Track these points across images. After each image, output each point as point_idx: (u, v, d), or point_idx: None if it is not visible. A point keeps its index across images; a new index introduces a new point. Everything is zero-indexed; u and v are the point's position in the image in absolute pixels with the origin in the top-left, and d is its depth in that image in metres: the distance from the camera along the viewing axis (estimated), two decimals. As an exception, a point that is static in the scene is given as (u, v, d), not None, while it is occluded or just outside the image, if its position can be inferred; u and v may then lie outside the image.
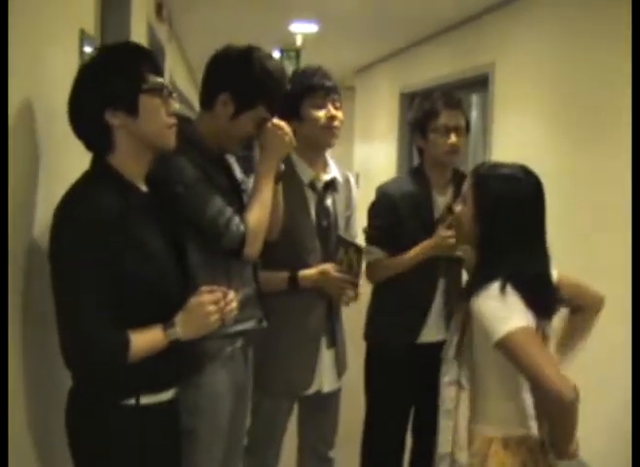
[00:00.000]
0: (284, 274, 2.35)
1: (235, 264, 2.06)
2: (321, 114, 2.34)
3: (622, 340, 3.07)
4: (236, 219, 1.96)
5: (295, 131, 2.12)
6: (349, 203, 2.58)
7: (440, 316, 2.60)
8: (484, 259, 1.89)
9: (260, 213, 2.01)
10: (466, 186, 1.97)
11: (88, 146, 1.67)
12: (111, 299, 1.56)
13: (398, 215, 2.60)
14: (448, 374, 1.90)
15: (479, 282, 1.82)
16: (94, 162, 1.67)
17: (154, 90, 1.65)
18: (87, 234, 1.53)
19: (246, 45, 2.07)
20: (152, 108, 1.65)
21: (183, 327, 1.64)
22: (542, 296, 1.82)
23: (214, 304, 1.67)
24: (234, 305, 1.72)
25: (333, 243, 2.41)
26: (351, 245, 2.35)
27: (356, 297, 2.39)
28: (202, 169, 1.96)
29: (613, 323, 3.42)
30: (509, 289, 1.75)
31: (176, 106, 1.72)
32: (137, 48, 1.75)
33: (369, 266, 2.63)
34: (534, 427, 1.87)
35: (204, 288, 1.70)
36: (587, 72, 3.89)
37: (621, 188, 3.40)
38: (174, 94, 1.73)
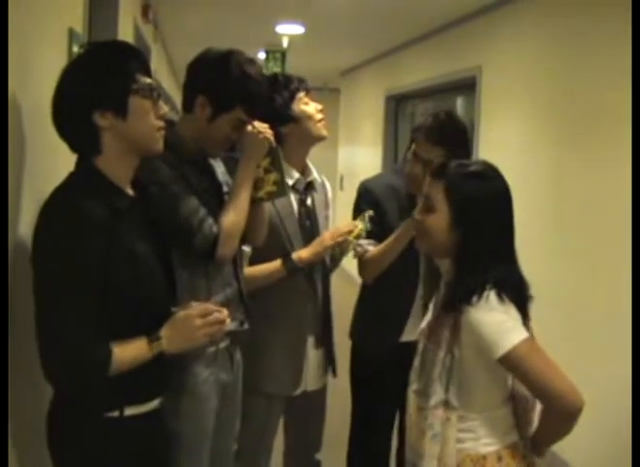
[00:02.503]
0: (277, 262, 2.38)
1: (214, 265, 2.05)
2: (311, 108, 2.43)
3: (623, 343, 3.07)
4: (210, 220, 1.98)
5: (288, 135, 2.13)
6: (327, 204, 2.64)
7: (420, 315, 2.61)
8: (467, 267, 1.76)
9: (235, 216, 2.02)
10: (429, 190, 1.81)
11: (73, 147, 1.63)
12: (95, 307, 1.52)
13: (381, 208, 2.61)
14: (434, 395, 1.76)
15: (467, 292, 1.71)
16: (79, 164, 1.63)
17: (144, 92, 1.61)
18: (70, 241, 1.49)
19: (227, 48, 2.08)
20: (141, 110, 1.61)
21: (168, 340, 1.60)
22: (524, 301, 1.76)
23: (202, 318, 1.63)
24: (229, 322, 1.69)
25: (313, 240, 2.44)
26: None
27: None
28: (179, 171, 1.97)
29: (613, 326, 3.45)
30: (505, 298, 1.69)
31: (165, 109, 1.68)
32: (127, 47, 1.71)
33: (360, 262, 2.62)
34: (517, 433, 1.84)
35: (194, 304, 1.66)
36: (576, 75, 3.92)
37: (612, 191, 3.43)
38: (162, 97, 1.71)
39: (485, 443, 1.77)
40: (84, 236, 1.49)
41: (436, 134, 2.46)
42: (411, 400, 1.89)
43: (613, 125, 3.44)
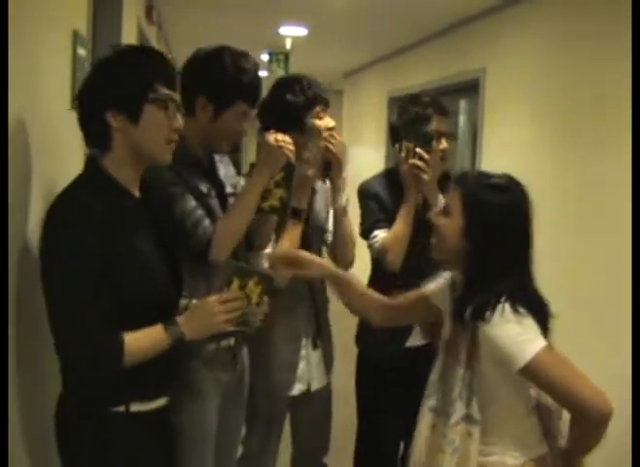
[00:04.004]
0: None
1: (212, 268, 2.04)
2: (322, 124, 2.38)
3: (623, 348, 3.05)
4: (205, 222, 1.98)
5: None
6: (327, 201, 2.60)
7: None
8: (476, 277, 1.75)
9: (233, 220, 2.01)
10: (449, 197, 1.84)
11: (87, 140, 1.66)
12: (104, 304, 1.53)
13: (381, 201, 2.64)
14: (455, 413, 1.72)
15: (479, 308, 1.68)
16: (88, 165, 1.65)
17: (160, 102, 1.62)
18: (76, 239, 1.51)
19: (216, 45, 2.08)
20: (154, 120, 1.62)
21: (186, 325, 1.62)
22: (542, 313, 1.73)
23: (221, 303, 1.65)
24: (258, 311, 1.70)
25: (312, 240, 2.44)
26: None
27: None
28: (178, 173, 1.97)
29: (613, 331, 3.44)
30: (520, 309, 1.66)
31: (181, 122, 1.68)
32: (154, 54, 1.72)
33: (381, 251, 2.59)
34: (547, 445, 1.80)
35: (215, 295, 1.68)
36: (579, 77, 3.91)
37: (614, 194, 3.42)
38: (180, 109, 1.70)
39: (510, 455, 1.74)
40: (87, 232, 1.51)
41: (441, 105, 2.66)
42: (425, 417, 1.83)
43: (616, 128, 3.43)
